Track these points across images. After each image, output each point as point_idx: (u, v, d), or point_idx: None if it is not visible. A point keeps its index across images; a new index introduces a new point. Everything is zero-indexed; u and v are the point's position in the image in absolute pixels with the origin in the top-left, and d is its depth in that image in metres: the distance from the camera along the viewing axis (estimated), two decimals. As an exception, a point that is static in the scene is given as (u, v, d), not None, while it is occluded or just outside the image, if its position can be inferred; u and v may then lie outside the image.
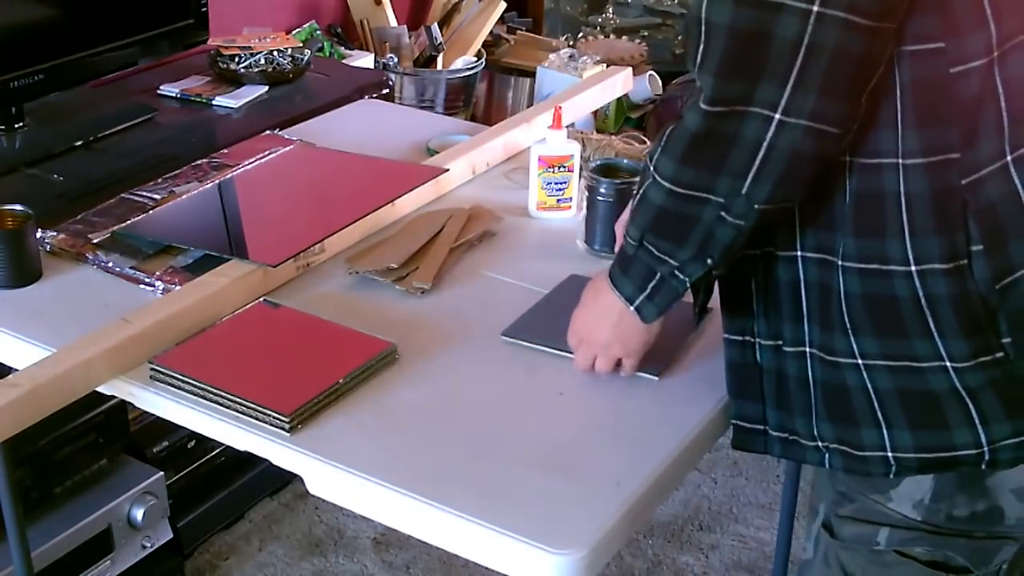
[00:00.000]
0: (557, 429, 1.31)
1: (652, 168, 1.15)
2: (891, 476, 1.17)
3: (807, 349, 1.18)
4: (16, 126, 2.16)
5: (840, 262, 1.12)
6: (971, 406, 1.12)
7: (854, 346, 1.14)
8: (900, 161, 1.08)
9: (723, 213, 1.11)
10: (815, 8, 1.00)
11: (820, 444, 1.20)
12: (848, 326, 1.13)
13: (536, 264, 1.64)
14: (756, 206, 1.10)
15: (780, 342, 1.20)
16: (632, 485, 1.21)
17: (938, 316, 1.09)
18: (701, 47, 1.06)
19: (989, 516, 1.19)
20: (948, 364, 1.11)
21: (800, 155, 1.06)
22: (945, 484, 1.18)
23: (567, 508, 1.18)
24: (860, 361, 1.14)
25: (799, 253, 1.16)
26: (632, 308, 1.24)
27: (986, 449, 1.13)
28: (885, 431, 1.15)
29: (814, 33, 1.01)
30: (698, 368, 1.40)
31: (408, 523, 1.20)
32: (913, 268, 1.09)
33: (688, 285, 1.20)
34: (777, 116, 1.04)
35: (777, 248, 1.18)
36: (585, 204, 1.69)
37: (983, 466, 1.14)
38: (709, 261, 1.16)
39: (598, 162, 1.69)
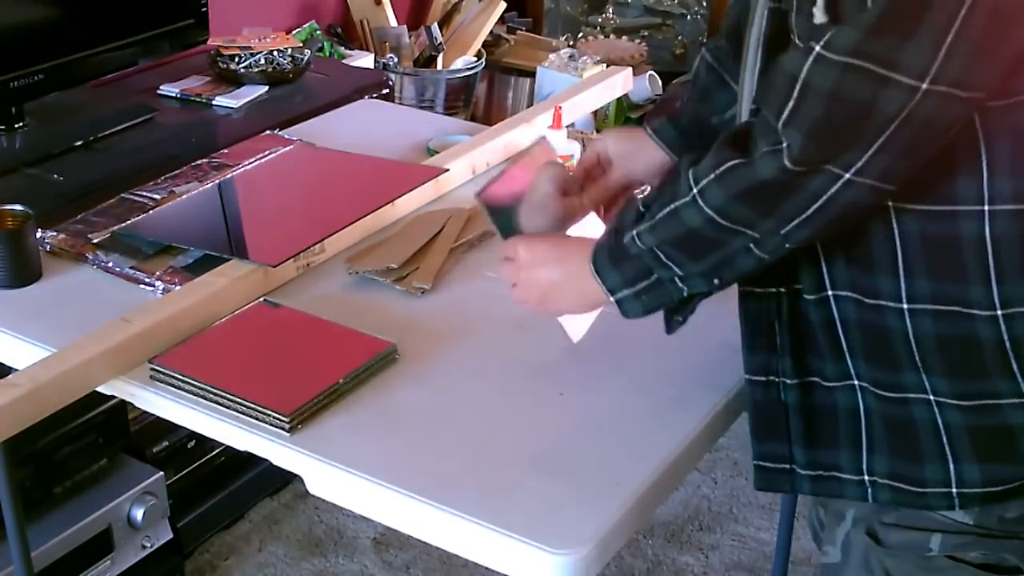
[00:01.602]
0: (557, 429, 1.31)
1: (695, 191, 1.11)
2: (953, 510, 1.17)
3: (855, 382, 1.17)
4: (16, 126, 2.16)
5: (906, 305, 1.11)
6: None
7: (926, 383, 1.13)
8: (986, 208, 1.07)
9: (752, 246, 1.11)
10: (924, 86, 0.99)
11: (867, 478, 1.19)
12: (919, 364, 1.13)
13: (536, 264, 1.64)
14: (788, 245, 1.10)
15: (814, 378, 1.19)
16: (632, 485, 1.21)
17: (1018, 356, 1.10)
18: (792, 103, 1.04)
19: None
20: None
21: (855, 208, 1.07)
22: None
23: (567, 508, 1.18)
24: (932, 397, 1.14)
25: (830, 292, 1.16)
26: (613, 299, 1.21)
27: None
28: (952, 466, 1.14)
29: (916, 107, 1.00)
30: (698, 369, 1.40)
31: (408, 523, 1.20)
32: (999, 312, 1.09)
33: (684, 295, 1.18)
34: (847, 176, 1.03)
35: (803, 287, 1.17)
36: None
37: None
38: (716, 282, 1.15)
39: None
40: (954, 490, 1.15)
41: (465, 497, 1.19)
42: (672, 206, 1.14)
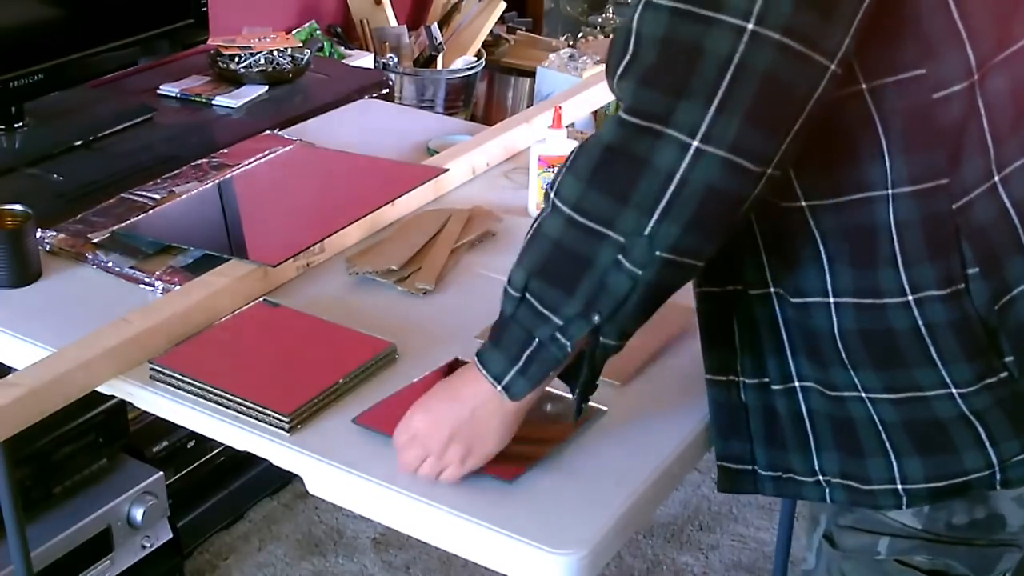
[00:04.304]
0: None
1: (553, 194, 1.05)
2: (903, 508, 1.16)
3: (796, 384, 1.17)
4: (16, 126, 2.15)
5: (832, 299, 1.11)
6: (979, 428, 1.11)
7: (855, 380, 1.13)
8: (889, 192, 1.06)
9: (620, 256, 1.02)
10: (749, 26, 0.94)
11: (821, 479, 1.18)
12: (846, 361, 1.12)
13: (536, 264, 1.64)
14: (657, 252, 1.01)
15: (767, 379, 1.18)
16: (632, 485, 1.21)
17: (939, 343, 1.08)
18: (627, 57, 1.00)
19: (990, 524, 1.18)
20: (953, 391, 1.10)
21: (714, 194, 0.99)
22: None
23: (567, 508, 1.18)
24: (864, 395, 1.13)
25: (772, 290, 1.15)
26: (500, 387, 1.12)
27: (997, 469, 1.12)
28: (894, 461, 1.14)
29: (745, 53, 0.95)
30: (697, 369, 1.40)
31: (408, 523, 1.20)
32: (910, 297, 1.08)
33: (568, 351, 1.08)
34: (695, 143, 0.97)
35: (748, 286, 1.16)
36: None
37: (996, 487, 1.13)
38: (596, 318, 1.05)
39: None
40: (899, 487, 1.14)
41: (465, 497, 1.18)
42: (535, 223, 1.09)
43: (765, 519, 2.60)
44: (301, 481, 1.27)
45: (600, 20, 3.97)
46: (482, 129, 2.10)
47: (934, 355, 1.09)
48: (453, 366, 1.39)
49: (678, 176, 0.99)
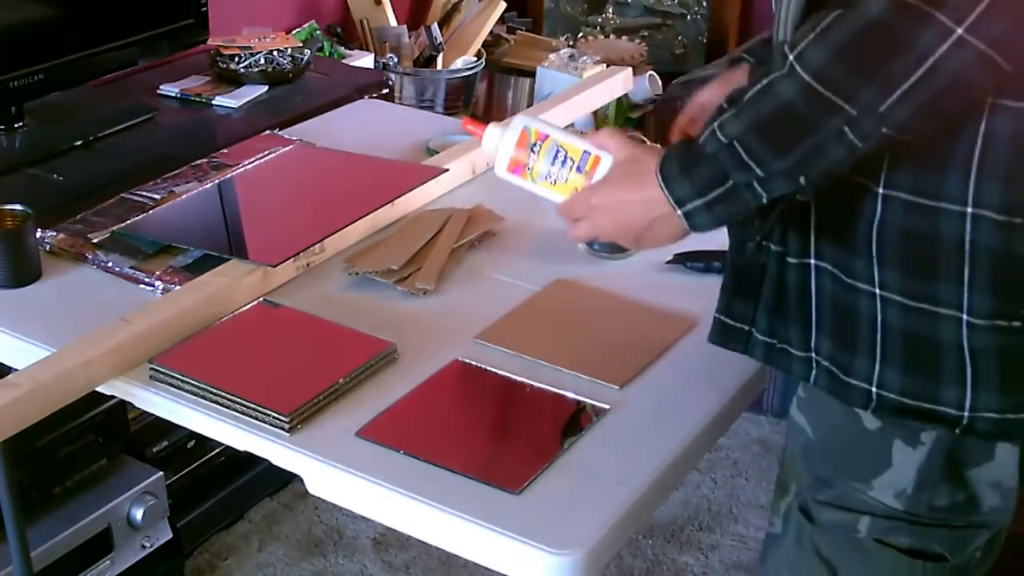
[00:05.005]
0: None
1: (793, 57, 1.04)
2: (868, 410, 1.15)
3: (812, 261, 1.16)
4: (16, 126, 2.15)
5: (881, 190, 1.09)
6: (969, 366, 1.10)
7: (875, 274, 1.11)
8: (988, 100, 1.04)
9: (847, 128, 1.03)
10: None
11: (813, 356, 1.18)
12: (875, 253, 1.11)
13: (536, 264, 1.64)
14: (884, 129, 1.02)
15: (785, 250, 1.18)
16: (632, 485, 1.22)
17: (976, 265, 1.07)
18: None
19: (967, 506, 1.19)
20: (965, 316, 1.08)
21: (960, 84, 1.00)
22: (928, 474, 1.17)
23: (567, 508, 1.18)
24: (878, 291, 1.12)
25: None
26: (680, 212, 1.15)
27: (967, 414, 1.11)
28: (878, 365, 1.13)
29: None
30: (698, 369, 1.40)
31: (408, 523, 1.20)
32: (969, 209, 1.06)
33: (763, 202, 1.10)
34: (959, 31, 0.97)
35: None
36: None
37: (957, 430, 1.12)
38: (802, 180, 1.07)
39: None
40: (874, 389, 1.14)
41: (465, 497, 1.19)
42: (765, 80, 1.07)
43: (765, 519, 2.60)
44: (301, 481, 1.27)
45: (600, 20, 3.97)
46: (482, 129, 2.10)
47: (966, 274, 1.08)
48: (453, 368, 1.39)
49: (933, 58, 0.99)
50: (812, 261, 1.16)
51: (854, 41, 1.02)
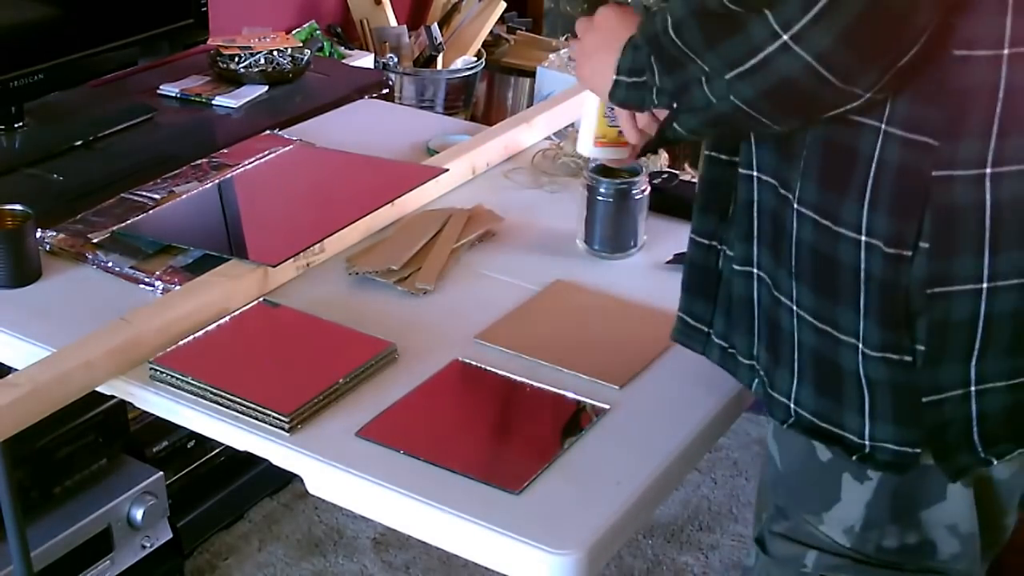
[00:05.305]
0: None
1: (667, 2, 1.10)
2: (784, 427, 1.15)
3: (754, 271, 1.17)
4: (16, 126, 2.15)
5: (796, 206, 1.09)
6: (867, 395, 1.09)
7: (794, 290, 1.11)
8: (882, 127, 1.03)
9: (703, 80, 1.07)
10: None
11: (756, 365, 1.19)
12: (793, 269, 1.11)
13: (536, 264, 1.64)
14: (732, 98, 1.05)
15: (733, 256, 1.19)
16: (632, 485, 1.22)
17: (869, 294, 1.06)
18: None
19: (920, 550, 1.15)
20: (860, 346, 1.07)
21: (792, 86, 1.01)
22: (876, 511, 1.14)
23: (567, 508, 1.18)
24: (795, 308, 1.12)
25: (755, 173, 1.14)
26: (614, 77, 1.20)
27: (867, 443, 1.10)
28: (795, 382, 1.13)
29: None
30: (698, 369, 1.40)
31: (408, 523, 1.20)
32: (862, 238, 1.05)
33: (652, 109, 1.18)
34: (784, 37, 0.98)
35: (743, 165, 1.15)
36: (585, 204, 1.68)
37: (857, 458, 1.11)
38: (675, 105, 1.13)
39: (598, 162, 1.69)
40: (792, 406, 1.14)
41: (465, 497, 1.19)
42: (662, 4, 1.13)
43: (765, 519, 2.60)
44: (301, 481, 1.27)
45: (600, 20, 3.97)
46: (482, 129, 2.10)
47: (861, 302, 1.06)
48: (453, 368, 1.39)
49: (762, 54, 1.00)
50: (754, 270, 1.18)
51: (706, 9, 1.05)
